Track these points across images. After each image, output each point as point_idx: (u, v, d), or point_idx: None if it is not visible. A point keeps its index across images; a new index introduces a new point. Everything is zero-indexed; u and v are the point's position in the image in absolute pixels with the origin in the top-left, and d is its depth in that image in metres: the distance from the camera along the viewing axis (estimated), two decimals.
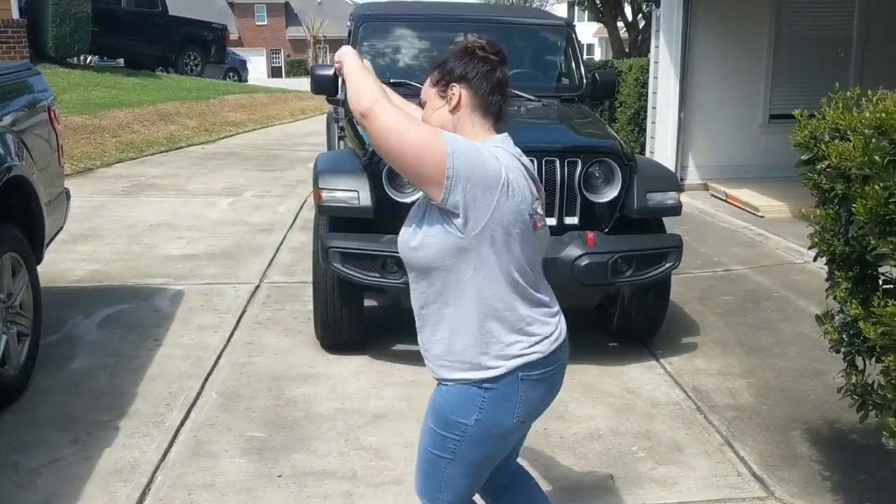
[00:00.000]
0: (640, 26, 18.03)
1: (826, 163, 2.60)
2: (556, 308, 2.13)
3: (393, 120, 1.90)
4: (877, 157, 2.34)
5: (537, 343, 2.03)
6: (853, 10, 9.58)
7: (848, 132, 2.52)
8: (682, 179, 9.53)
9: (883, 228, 2.37)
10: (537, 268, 2.09)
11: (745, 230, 7.57)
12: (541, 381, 2.05)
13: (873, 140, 2.40)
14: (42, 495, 3.05)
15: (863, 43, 9.50)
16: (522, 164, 2.04)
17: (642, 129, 10.18)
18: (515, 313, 2.00)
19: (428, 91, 2.11)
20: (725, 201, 8.88)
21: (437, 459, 2.08)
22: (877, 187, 2.32)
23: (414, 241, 2.00)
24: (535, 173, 2.11)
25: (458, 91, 2.05)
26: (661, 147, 9.47)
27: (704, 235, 7.34)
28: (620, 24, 18.05)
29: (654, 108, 9.58)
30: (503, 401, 2.01)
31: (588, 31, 46.08)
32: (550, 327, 2.07)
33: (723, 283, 5.94)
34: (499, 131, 2.09)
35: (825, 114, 2.68)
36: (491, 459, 2.12)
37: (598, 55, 43.92)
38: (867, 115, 2.48)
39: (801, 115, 2.81)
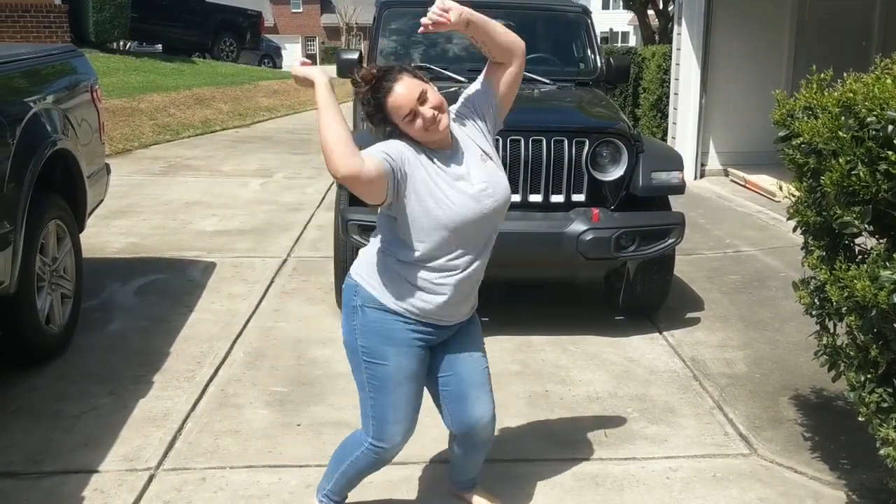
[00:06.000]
0: (671, 14, 18.03)
1: (800, 139, 2.81)
2: None
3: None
4: (841, 133, 2.54)
5: None
6: None
7: (818, 110, 2.73)
8: (702, 165, 9.67)
9: (846, 199, 2.57)
10: None
11: (759, 214, 7.71)
12: None
13: (841, 118, 2.61)
14: (82, 438, 3.36)
15: (884, 28, 9.53)
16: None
17: (664, 115, 10.31)
18: None
19: None
20: (744, 186, 9.02)
21: None
22: (841, 161, 2.52)
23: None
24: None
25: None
26: (683, 133, 9.60)
27: (720, 219, 7.50)
28: (651, 12, 18.09)
29: (675, 94, 9.70)
30: None
31: (623, 20, 45.82)
32: None
33: (731, 262, 6.12)
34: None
35: (800, 94, 2.88)
36: None
37: (632, 42, 43.66)
38: (836, 95, 2.68)
39: (780, 96, 3.02)
